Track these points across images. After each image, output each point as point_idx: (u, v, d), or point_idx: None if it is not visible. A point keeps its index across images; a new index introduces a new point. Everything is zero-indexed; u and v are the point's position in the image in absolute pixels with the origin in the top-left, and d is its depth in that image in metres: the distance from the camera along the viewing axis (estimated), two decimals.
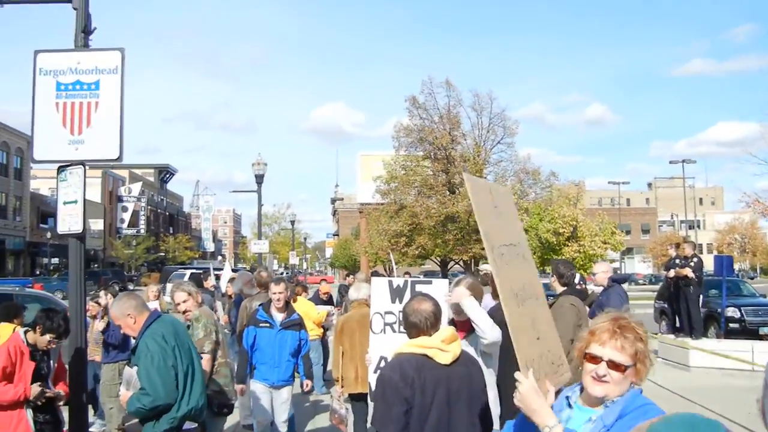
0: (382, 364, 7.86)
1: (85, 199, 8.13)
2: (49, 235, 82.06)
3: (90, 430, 12.18)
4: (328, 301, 19.96)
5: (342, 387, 10.20)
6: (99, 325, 12.46)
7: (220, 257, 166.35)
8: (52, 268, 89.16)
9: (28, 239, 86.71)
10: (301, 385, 10.54)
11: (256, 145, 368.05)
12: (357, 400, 10.29)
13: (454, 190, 44.65)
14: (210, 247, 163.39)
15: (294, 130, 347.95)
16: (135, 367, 6.52)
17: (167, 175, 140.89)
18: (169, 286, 46.36)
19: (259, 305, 10.21)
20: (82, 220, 8.06)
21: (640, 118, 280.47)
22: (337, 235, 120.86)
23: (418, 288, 7.87)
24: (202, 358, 7.68)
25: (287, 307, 10.06)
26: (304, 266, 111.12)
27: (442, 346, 5.24)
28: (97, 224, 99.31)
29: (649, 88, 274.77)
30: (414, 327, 5.37)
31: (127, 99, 8.12)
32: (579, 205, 44.94)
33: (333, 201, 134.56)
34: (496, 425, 5.98)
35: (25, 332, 7.68)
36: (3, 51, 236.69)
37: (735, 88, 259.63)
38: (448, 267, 47.86)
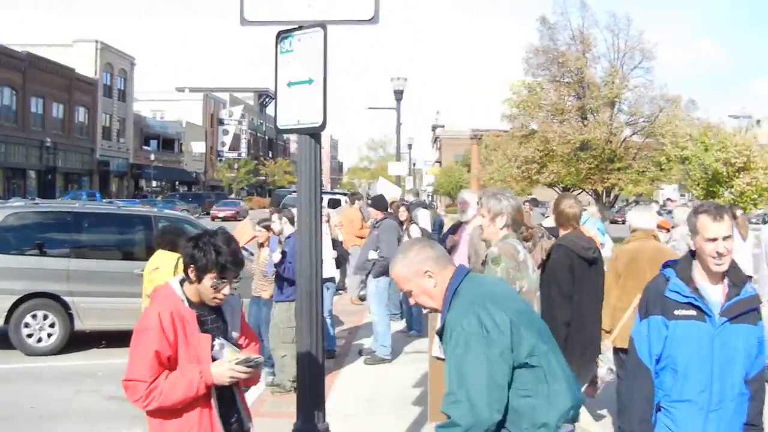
0: None
1: (326, 80, 5.45)
2: (152, 157, 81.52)
3: None
4: None
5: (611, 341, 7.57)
6: (275, 256, 10.18)
7: None
8: (152, 190, 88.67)
9: (132, 161, 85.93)
10: None
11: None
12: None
13: (587, 115, 42.30)
14: None
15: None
16: None
17: (267, 99, 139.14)
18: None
19: (664, 267, 4.66)
20: (323, 109, 5.41)
21: (747, 54, 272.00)
22: (439, 162, 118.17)
23: None
24: None
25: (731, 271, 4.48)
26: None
27: None
28: (198, 147, 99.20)
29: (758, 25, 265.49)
30: None
31: None
32: (750, 135, 41.25)
33: (434, 128, 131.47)
34: None
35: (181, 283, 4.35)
36: None
37: None
38: None
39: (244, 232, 11.94)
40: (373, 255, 12.61)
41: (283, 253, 10.13)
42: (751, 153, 36.30)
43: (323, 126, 5.42)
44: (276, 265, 10.12)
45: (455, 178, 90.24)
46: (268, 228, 11.07)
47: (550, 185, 44.44)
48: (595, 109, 41.94)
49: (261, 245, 11.27)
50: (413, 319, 14.50)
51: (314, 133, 5.52)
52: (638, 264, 7.68)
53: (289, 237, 10.51)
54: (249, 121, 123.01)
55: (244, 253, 11.47)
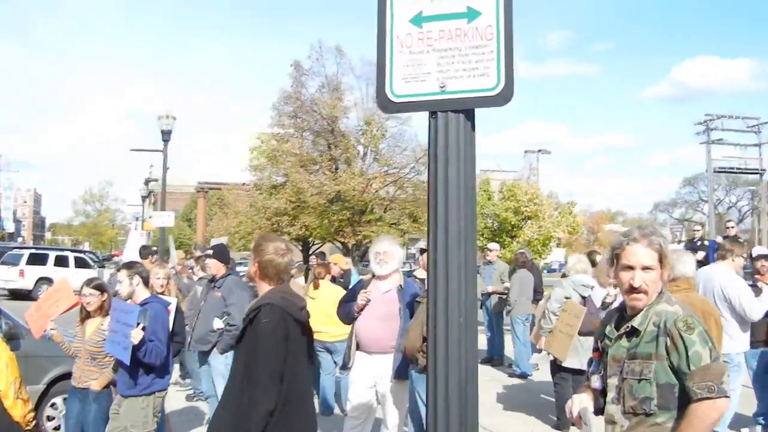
0: None
1: (510, 14, 2.93)
2: None
3: None
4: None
5: None
6: (135, 334, 6.87)
7: (20, 239, 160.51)
8: None
9: None
10: None
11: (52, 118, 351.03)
12: None
13: (338, 165, 41.05)
14: (10, 227, 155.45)
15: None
16: None
17: None
18: (2, 268, 39.27)
19: None
20: (505, 66, 2.89)
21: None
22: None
23: None
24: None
25: None
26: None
27: None
28: None
29: None
30: None
31: None
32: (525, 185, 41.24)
33: (147, 182, 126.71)
34: None
35: None
36: None
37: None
38: (310, 252, 43.37)
39: (60, 296, 8.33)
40: (218, 324, 9.64)
41: (144, 327, 6.96)
42: (540, 202, 36.43)
43: (507, 96, 2.91)
44: (135, 347, 6.90)
45: (175, 235, 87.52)
46: (101, 289, 7.86)
47: (298, 239, 42.63)
48: (347, 159, 40.92)
49: (88, 315, 7.82)
50: None
51: (470, 111, 2.98)
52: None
53: (145, 304, 7.36)
54: None
55: (52, 328, 8.05)
